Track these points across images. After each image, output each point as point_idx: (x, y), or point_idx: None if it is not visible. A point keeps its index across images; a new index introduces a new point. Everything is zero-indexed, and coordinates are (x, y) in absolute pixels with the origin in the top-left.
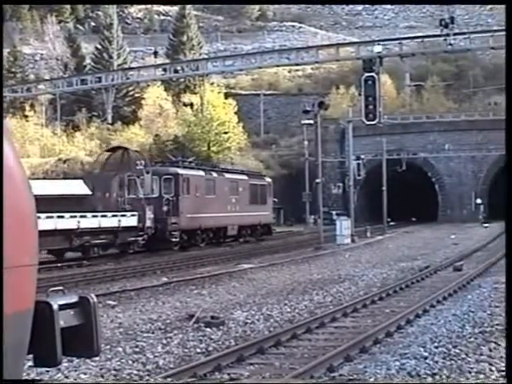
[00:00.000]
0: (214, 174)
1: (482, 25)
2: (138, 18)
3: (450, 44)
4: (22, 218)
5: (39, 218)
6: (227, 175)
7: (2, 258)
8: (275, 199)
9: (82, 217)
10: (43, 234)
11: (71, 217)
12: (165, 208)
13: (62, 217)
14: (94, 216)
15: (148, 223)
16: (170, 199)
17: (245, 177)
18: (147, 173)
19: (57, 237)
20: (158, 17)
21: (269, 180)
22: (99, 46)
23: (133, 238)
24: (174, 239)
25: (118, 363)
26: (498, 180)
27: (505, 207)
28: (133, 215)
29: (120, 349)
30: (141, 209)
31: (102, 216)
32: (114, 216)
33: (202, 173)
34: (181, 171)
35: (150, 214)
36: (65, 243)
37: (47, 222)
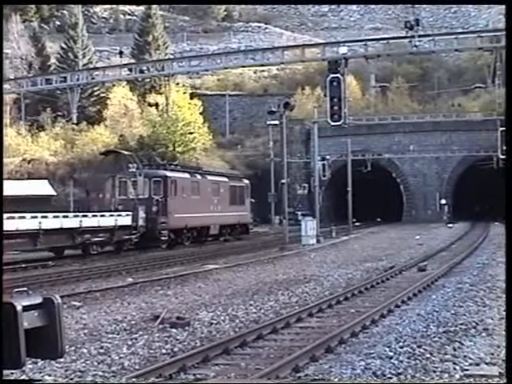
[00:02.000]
0: (198, 176)
1: (446, 27)
2: (103, 17)
3: (415, 46)
4: None
5: (45, 217)
6: (209, 177)
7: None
8: (252, 200)
9: (84, 216)
10: (50, 232)
11: (74, 216)
12: (154, 208)
13: (67, 216)
14: (94, 215)
15: (140, 222)
16: (159, 200)
17: (225, 179)
18: (140, 175)
19: (62, 235)
20: (124, 16)
21: (247, 182)
22: (64, 46)
23: (127, 237)
24: (163, 238)
25: (83, 364)
26: (462, 181)
27: (505, 207)
28: (127, 215)
29: (85, 350)
30: (133, 209)
31: (101, 216)
32: (111, 216)
33: (187, 175)
34: (169, 174)
35: (142, 214)
36: (68, 241)
37: (53, 222)
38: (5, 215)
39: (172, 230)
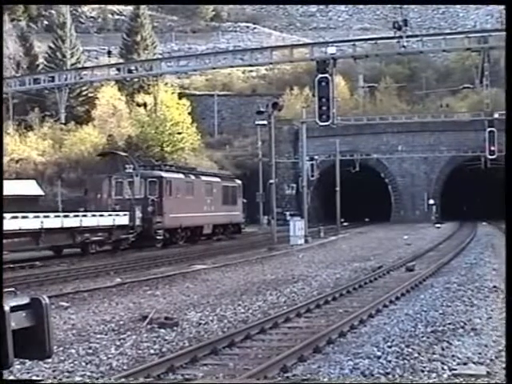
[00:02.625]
0: (192, 177)
1: (434, 27)
2: (91, 17)
3: (403, 46)
4: None
5: (47, 216)
6: (203, 178)
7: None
8: (244, 200)
9: (84, 216)
10: (51, 231)
11: (75, 216)
12: (150, 208)
13: (68, 216)
14: (93, 215)
15: (137, 222)
16: (154, 200)
17: (218, 179)
18: (136, 176)
19: (62, 234)
20: (112, 16)
21: (239, 182)
22: (52, 45)
23: (124, 236)
24: (158, 237)
25: (71, 365)
26: (450, 181)
27: (505, 207)
28: (125, 215)
29: (73, 350)
30: (129, 209)
31: (100, 215)
32: (109, 215)
33: (181, 176)
34: (164, 174)
35: (138, 214)
36: (69, 240)
37: (55, 221)
38: (8, 215)
39: (167, 229)
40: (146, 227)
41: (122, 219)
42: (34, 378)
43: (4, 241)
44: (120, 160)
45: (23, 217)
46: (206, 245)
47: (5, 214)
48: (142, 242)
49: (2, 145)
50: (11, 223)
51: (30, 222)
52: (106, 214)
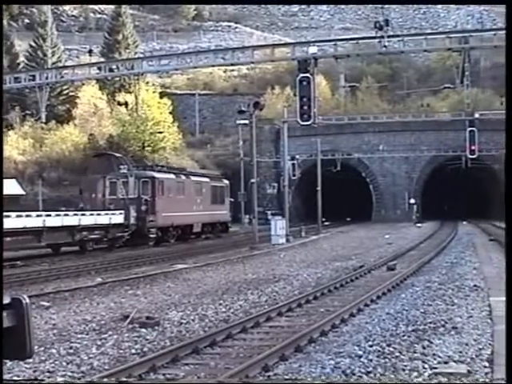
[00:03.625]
0: (183, 177)
1: (415, 28)
2: (73, 15)
3: (385, 46)
4: None
5: (49, 215)
6: (193, 178)
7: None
8: (232, 199)
9: (82, 215)
10: (52, 229)
11: (74, 214)
12: (143, 207)
13: (67, 215)
14: (91, 214)
15: (132, 221)
16: (147, 200)
17: (207, 179)
18: (131, 176)
19: (63, 232)
20: (94, 15)
21: (226, 182)
22: (33, 44)
23: (120, 234)
24: (151, 235)
25: (52, 365)
26: (431, 180)
27: (505, 207)
28: (120, 213)
29: (54, 350)
30: (123, 208)
31: (98, 214)
32: (106, 214)
33: (173, 176)
34: (156, 175)
35: (133, 213)
36: (68, 238)
37: (56, 220)
38: (13, 213)
39: (160, 228)
40: (139, 226)
41: (118, 218)
42: (15, 378)
43: (8, 238)
44: (114, 161)
45: (27, 215)
46: (187, 244)
47: (10, 213)
48: (135, 240)
49: (1, 145)
50: (16, 221)
51: (33, 220)
52: (102, 212)
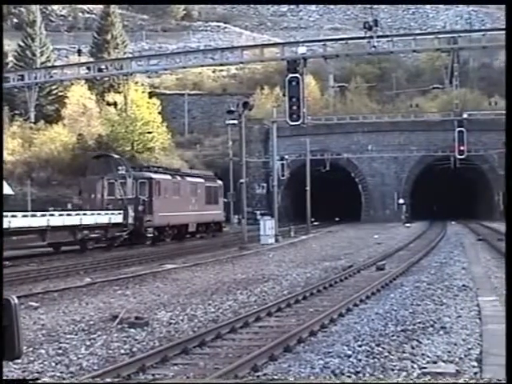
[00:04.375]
0: (178, 178)
1: (404, 28)
2: (61, 15)
3: (374, 46)
4: None
5: (52, 215)
6: (188, 178)
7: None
8: (225, 199)
9: (83, 214)
10: (56, 229)
11: (76, 214)
12: (141, 208)
13: (70, 214)
14: (92, 214)
15: (130, 220)
16: (145, 200)
17: (202, 180)
18: (129, 177)
19: (65, 231)
20: (83, 15)
21: (220, 182)
22: (22, 44)
23: (119, 233)
24: (148, 235)
25: (41, 365)
26: (420, 180)
27: (505, 207)
28: (119, 213)
29: (43, 351)
30: (121, 208)
31: (98, 214)
32: (106, 214)
33: (169, 177)
34: (153, 176)
35: (131, 213)
36: (70, 237)
37: (59, 219)
38: (19, 213)
39: (156, 227)
40: (137, 225)
41: (117, 217)
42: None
43: (14, 237)
44: (113, 162)
45: (32, 215)
46: (176, 244)
47: (16, 213)
48: (133, 240)
49: (1, 145)
50: (22, 221)
51: (38, 220)
52: (102, 212)
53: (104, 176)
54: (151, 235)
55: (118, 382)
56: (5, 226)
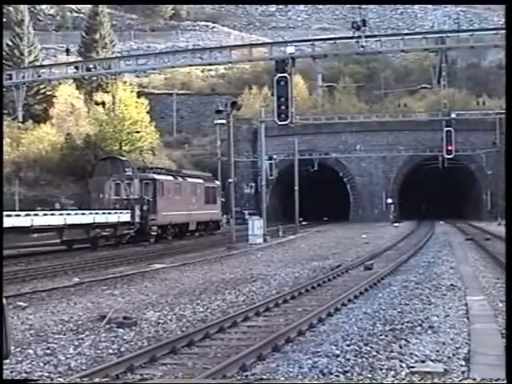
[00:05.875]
0: (180, 179)
1: (393, 28)
2: (50, 14)
3: (362, 46)
4: None
5: (69, 214)
6: (189, 179)
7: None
8: (223, 199)
9: (96, 213)
10: (72, 227)
11: (90, 213)
12: (145, 207)
13: (84, 213)
14: (103, 213)
15: (137, 219)
16: (149, 200)
17: (201, 180)
18: (136, 178)
19: (80, 229)
20: (71, 14)
21: (218, 183)
22: (10, 43)
23: (126, 231)
24: (153, 233)
25: (29, 365)
26: (408, 180)
27: (505, 207)
28: (127, 212)
29: (31, 351)
30: (130, 207)
31: (109, 213)
32: (115, 213)
33: (171, 178)
34: (157, 177)
35: (138, 212)
36: (84, 234)
37: (74, 218)
38: (41, 212)
39: (160, 226)
40: (142, 224)
41: (125, 216)
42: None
43: (35, 234)
44: (120, 163)
45: (52, 214)
46: (164, 244)
47: (38, 212)
48: (138, 238)
49: (1, 145)
50: (43, 219)
51: (57, 218)
52: (112, 212)
53: (110, 177)
54: (155, 233)
55: (106, 382)
56: (27, 224)
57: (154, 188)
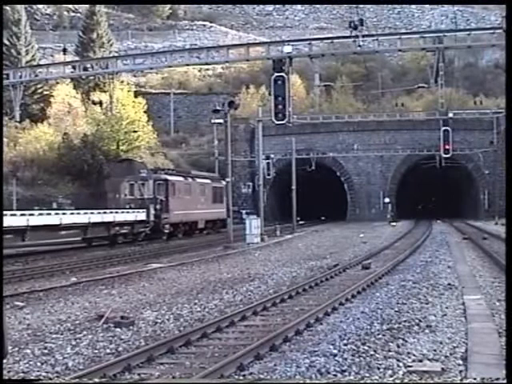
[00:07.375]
0: (190, 179)
1: (390, 27)
2: (47, 14)
3: (359, 45)
4: None
5: (92, 213)
6: (198, 180)
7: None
8: None
9: (116, 212)
10: (94, 225)
11: (110, 212)
12: (158, 206)
13: (105, 212)
14: (122, 212)
15: (151, 218)
16: (162, 200)
17: (209, 181)
18: (150, 179)
19: (101, 227)
20: (68, 13)
21: (224, 183)
22: (7, 42)
23: (142, 229)
24: (165, 231)
25: (27, 365)
26: (406, 179)
27: (505, 207)
28: (143, 211)
29: (28, 351)
30: (146, 206)
31: (127, 212)
32: (133, 212)
33: (182, 178)
34: (169, 177)
35: (152, 211)
36: (105, 232)
37: (97, 217)
38: (68, 211)
39: (171, 224)
40: (156, 222)
41: (141, 215)
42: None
43: (63, 232)
44: (135, 165)
45: (77, 213)
46: (162, 243)
47: (66, 211)
48: (152, 235)
49: (1, 145)
50: (71, 218)
51: (82, 217)
52: (130, 210)
53: (126, 178)
54: (167, 231)
55: (104, 382)
56: (56, 222)
57: (166, 188)
